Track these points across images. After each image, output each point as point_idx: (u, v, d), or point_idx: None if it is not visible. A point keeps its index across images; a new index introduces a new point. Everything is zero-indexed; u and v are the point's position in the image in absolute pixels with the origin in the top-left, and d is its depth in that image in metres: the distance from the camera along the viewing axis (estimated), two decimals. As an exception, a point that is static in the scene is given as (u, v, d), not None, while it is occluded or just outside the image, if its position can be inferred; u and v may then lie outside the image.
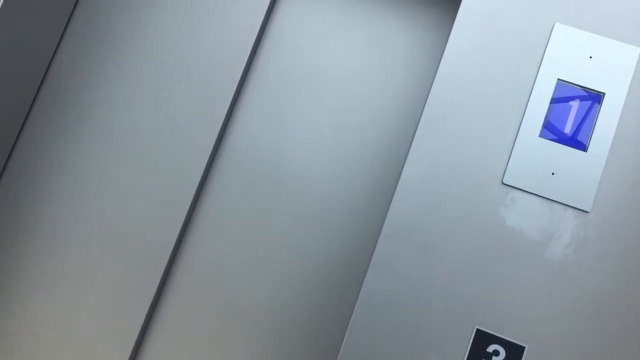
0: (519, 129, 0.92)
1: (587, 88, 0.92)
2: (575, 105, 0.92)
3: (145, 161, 1.09)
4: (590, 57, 0.92)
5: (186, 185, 1.08)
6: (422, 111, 0.96)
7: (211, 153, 1.09)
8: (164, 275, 1.08)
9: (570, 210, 0.90)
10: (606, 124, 0.91)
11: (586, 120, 0.92)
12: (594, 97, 0.92)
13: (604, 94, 0.92)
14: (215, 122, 1.09)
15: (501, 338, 0.88)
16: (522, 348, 0.87)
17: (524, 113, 0.92)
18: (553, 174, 0.91)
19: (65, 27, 1.14)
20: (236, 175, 1.12)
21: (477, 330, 0.89)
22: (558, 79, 0.93)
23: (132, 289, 1.07)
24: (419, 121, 0.94)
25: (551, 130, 0.92)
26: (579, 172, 0.91)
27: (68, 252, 1.09)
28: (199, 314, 1.09)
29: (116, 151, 1.10)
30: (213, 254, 1.10)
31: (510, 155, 0.92)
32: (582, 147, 0.91)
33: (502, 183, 0.92)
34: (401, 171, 0.95)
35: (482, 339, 0.88)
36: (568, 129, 0.92)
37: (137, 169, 1.10)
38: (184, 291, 1.10)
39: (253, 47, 1.11)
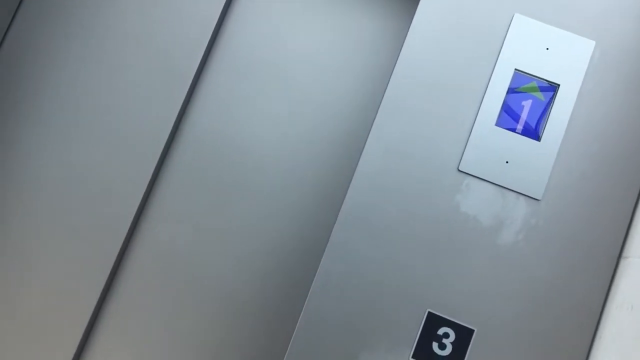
0: (475, 117, 0.94)
1: (543, 79, 0.94)
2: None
3: (103, 140, 1.07)
4: (547, 49, 0.94)
5: (144, 164, 1.06)
6: (382, 97, 0.97)
7: (170, 133, 1.07)
8: (118, 256, 1.06)
9: (522, 198, 0.92)
10: (560, 115, 0.93)
11: (541, 110, 0.94)
12: (550, 88, 0.94)
13: (558, 85, 0.94)
14: (175, 102, 1.07)
15: (452, 321, 0.90)
16: (472, 331, 0.90)
17: (481, 102, 0.94)
18: (507, 162, 0.93)
19: (20, 3, 1.10)
20: (195, 157, 1.11)
21: (429, 313, 0.90)
22: (515, 69, 0.94)
23: (85, 271, 1.05)
24: (378, 107, 0.94)
25: (507, 119, 0.94)
26: (532, 161, 0.93)
27: (23, 232, 1.06)
28: (154, 296, 1.08)
29: (74, 130, 1.08)
30: (170, 235, 1.09)
31: (466, 143, 0.93)
32: (536, 136, 0.93)
33: (458, 170, 0.93)
34: (360, 155, 0.96)
35: (434, 321, 0.90)
36: (523, 119, 0.94)
37: (95, 148, 1.07)
38: (140, 272, 1.09)
39: (214, 29, 1.09)
